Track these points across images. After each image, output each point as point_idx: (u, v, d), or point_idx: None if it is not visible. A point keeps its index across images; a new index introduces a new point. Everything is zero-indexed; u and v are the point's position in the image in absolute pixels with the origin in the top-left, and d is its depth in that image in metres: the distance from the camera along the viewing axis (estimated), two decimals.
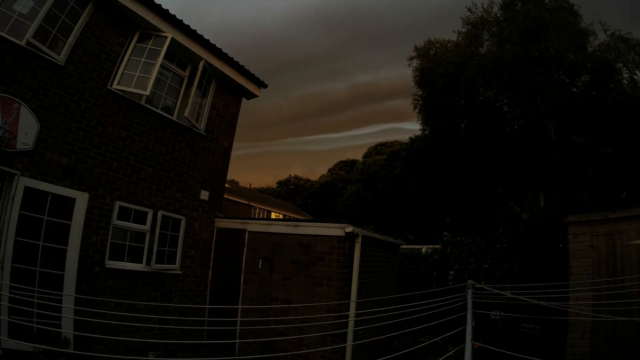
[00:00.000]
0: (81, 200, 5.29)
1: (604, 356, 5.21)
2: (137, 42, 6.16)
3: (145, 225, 6.25)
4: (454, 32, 15.21)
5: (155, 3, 6.07)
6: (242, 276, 6.86)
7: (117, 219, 5.84)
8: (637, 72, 12.60)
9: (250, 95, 8.51)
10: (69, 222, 5.13)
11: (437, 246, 12.93)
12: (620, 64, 12.64)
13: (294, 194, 44.98)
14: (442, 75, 13.85)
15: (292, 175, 49.55)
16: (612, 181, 12.44)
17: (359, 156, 42.39)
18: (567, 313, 5.39)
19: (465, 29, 14.78)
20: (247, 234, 7.03)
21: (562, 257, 6.64)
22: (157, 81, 6.46)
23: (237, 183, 34.15)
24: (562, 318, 5.59)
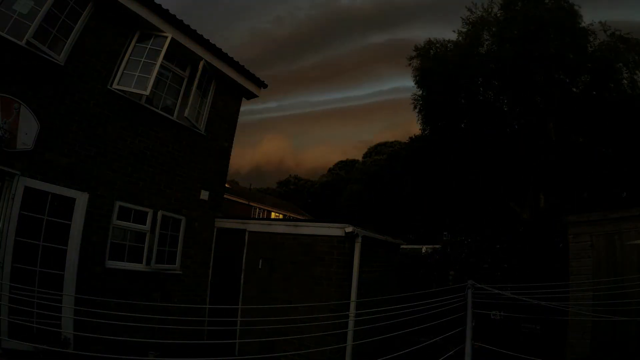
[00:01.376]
0: (81, 200, 5.29)
1: (604, 356, 5.21)
2: (137, 42, 6.15)
3: (145, 225, 6.24)
4: (454, 31, 15.24)
5: (155, 3, 6.06)
6: (242, 276, 6.86)
7: (117, 219, 5.84)
8: (637, 72, 12.60)
9: (250, 95, 8.51)
10: (69, 222, 5.12)
11: (437, 246, 12.94)
12: (620, 64, 12.64)
13: (294, 194, 45.00)
14: (442, 75, 13.85)
15: (292, 175, 49.60)
16: (612, 181, 12.44)
17: (358, 154, 42.44)
18: (567, 313, 5.39)
19: (466, 29, 14.80)
20: (247, 234, 7.03)
21: (562, 257, 6.64)
22: (157, 81, 6.46)
23: (237, 183, 34.17)
24: (562, 318, 5.59)
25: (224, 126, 7.96)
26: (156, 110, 6.55)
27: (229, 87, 7.99)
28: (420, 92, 15.69)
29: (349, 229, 5.85)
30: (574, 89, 13.17)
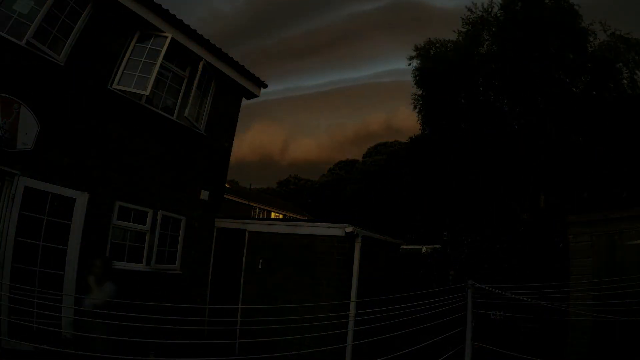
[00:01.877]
0: (81, 200, 5.29)
1: (604, 356, 5.21)
2: (137, 42, 6.15)
3: (145, 225, 6.24)
4: (454, 31, 15.25)
5: (155, 3, 6.06)
6: (242, 276, 6.86)
7: (117, 219, 5.84)
8: (637, 72, 12.61)
9: (250, 95, 8.51)
10: (69, 222, 5.12)
11: (437, 246, 12.92)
12: (621, 64, 12.65)
13: (294, 194, 44.98)
14: (442, 75, 13.86)
15: (292, 175, 49.64)
16: (612, 181, 12.44)
17: (357, 153, 42.50)
18: (567, 313, 5.38)
19: (466, 29, 14.81)
20: (247, 234, 7.03)
21: (562, 257, 6.64)
22: (157, 81, 6.45)
23: (237, 183, 34.17)
24: (562, 318, 5.59)
25: (224, 126, 7.96)
26: (156, 110, 6.55)
27: (229, 87, 7.99)
28: (420, 92, 15.72)
29: (349, 229, 5.85)
30: (574, 89, 13.18)
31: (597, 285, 5.31)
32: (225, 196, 9.01)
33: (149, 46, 6.20)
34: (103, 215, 5.61)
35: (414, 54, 15.81)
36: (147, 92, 5.99)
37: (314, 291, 5.95)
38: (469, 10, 14.78)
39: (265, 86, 8.60)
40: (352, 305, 5.73)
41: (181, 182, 6.92)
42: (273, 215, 27.56)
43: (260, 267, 6.65)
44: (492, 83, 13.89)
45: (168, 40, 6.27)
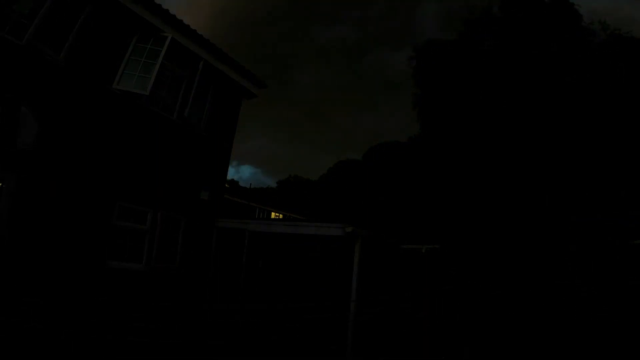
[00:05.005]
0: (81, 200, 5.28)
1: (605, 355, 5.22)
2: (137, 42, 6.15)
3: (145, 225, 6.25)
4: (454, 31, 15.27)
5: (155, 3, 6.06)
6: (242, 276, 6.86)
7: (118, 219, 5.84)
8: (636, 71, 12.60)
9: (250, 95, 8.50)
10: (69, 222, 5.12)
11: (437, 246, 12.93)
12: (621, 64, 12.65)
13: (294, 194, 45.00)
14: (441, 75, 13.87)
15: (292, 175, 49.71)
16: (612, 181, 12.44)
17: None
18: (569, 312, 5.39)
19: (466, 29, 14.82)
20: (247, 234, 7.03)
21: (562, 257, 6.65)
22: (157, 81, 6.44)
23: (237, 183, 34.18)
24: (564, 317, 5.60)
25: (224, 126, 7.96)
26: (156, 110, 6.55)
27: (229, 87, 7.98)
28: (420, 92, 15.74)
29: (349, 229, 5.85)
30: (574, 89, 13.18)
31: (597, 285, 5.33)
32: (225, 196, 9.01)
33: (149, 46, 6.20)
34: (103, 215, 5.60)
35: (413, 54, 15.86)
36: (147, 92, 5.99)
37: (314, 291, 5.95)
38: (469, 10, 14.83)
39: (266, 86, 8.60)
40: (352, 305, 5.72)
41: (181, 182, 6.92)
42: (273, 215, 27.52)
43: (260, 267, 6.66)
44: (491, 83, 13.89)
45: (168, 40, 6.26)
